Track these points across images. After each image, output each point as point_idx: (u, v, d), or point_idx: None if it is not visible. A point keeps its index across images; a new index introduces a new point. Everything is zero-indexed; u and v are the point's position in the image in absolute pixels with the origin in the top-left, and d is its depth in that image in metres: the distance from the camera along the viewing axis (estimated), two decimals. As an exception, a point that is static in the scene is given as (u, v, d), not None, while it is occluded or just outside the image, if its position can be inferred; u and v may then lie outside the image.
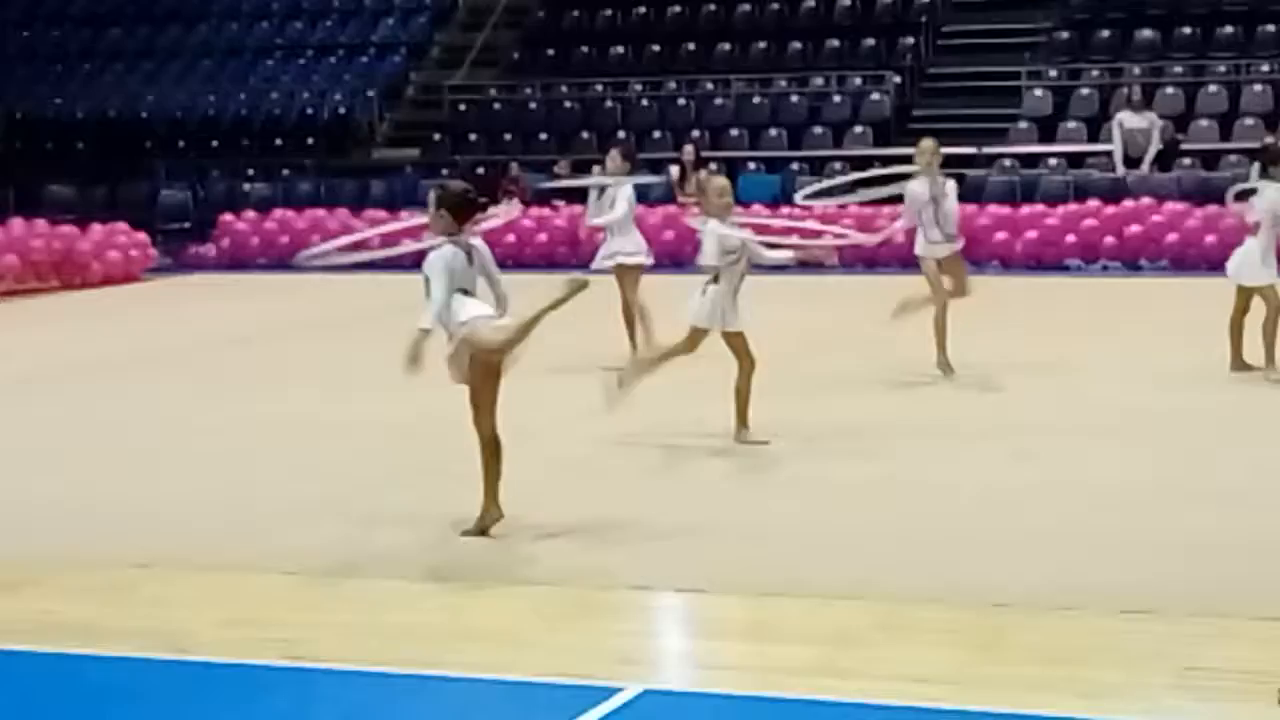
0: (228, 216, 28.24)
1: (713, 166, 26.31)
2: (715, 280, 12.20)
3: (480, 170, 29.74)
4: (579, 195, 27.60)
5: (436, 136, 31.38)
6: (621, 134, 29.98)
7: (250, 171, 30.92)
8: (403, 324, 9.89)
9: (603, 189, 16.44)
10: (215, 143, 31.81)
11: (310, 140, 31.80)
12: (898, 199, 15.50)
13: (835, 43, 30.91)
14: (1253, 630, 8.10)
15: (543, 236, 25.99)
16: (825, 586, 8.92)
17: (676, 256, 25.19)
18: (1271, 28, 28.52)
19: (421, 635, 8.39)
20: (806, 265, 14.84)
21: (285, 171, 30.86)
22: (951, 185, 15.20)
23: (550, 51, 32.41)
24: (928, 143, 15.19)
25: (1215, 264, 21.69)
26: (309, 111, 32.45)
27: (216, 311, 19.29)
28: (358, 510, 10.89)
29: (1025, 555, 9.45)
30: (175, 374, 16.44)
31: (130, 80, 34.09)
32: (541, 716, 7.20)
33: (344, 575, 9.42)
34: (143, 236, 26.38)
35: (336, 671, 7.89)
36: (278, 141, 31.90)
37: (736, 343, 12.32)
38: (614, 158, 16.78)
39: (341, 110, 32.32)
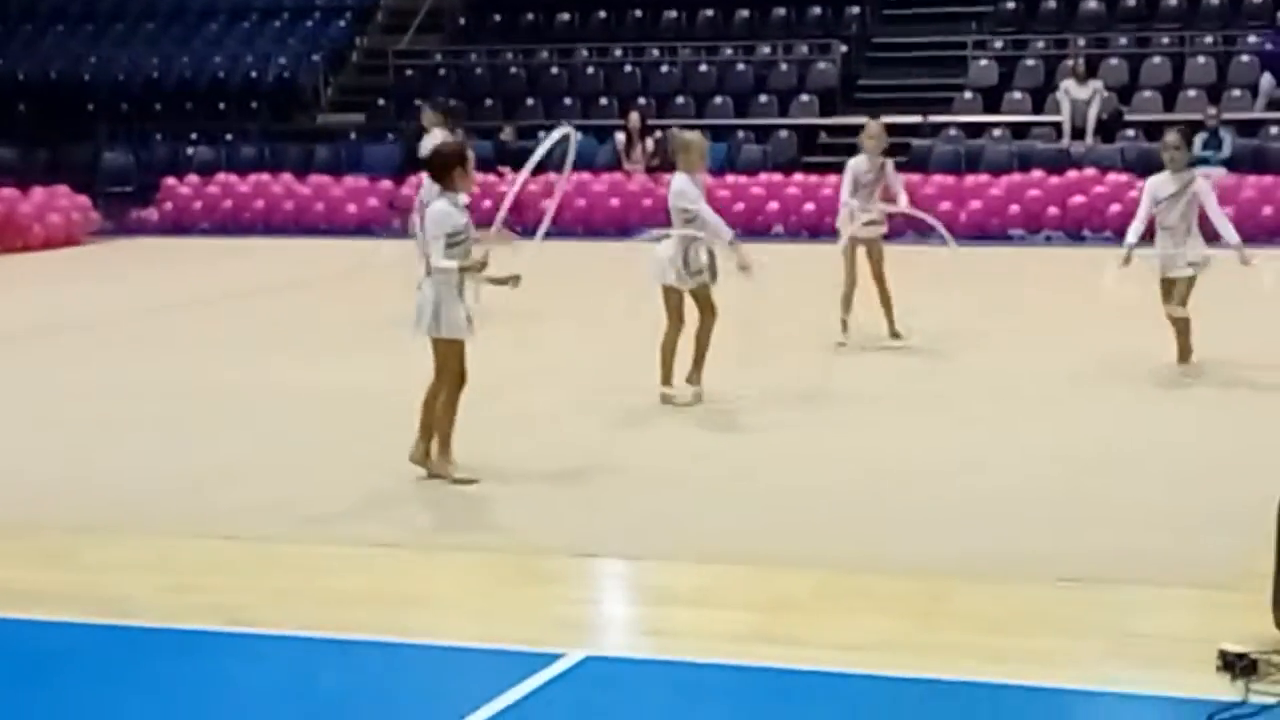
0: (170, 180, 28.08)
1: (658, 134, 26.29)
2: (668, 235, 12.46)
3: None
4: (521, 161, 27.65)
5: (381, 102, 31.23)
6: (568, 100, 29.94)
7: (193, 135, 30.71)
8: (341, 289, 9.87)
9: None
10: (158, 106, 31.56)
11: (254, 104, 31.60)
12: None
13: (782, 11, 30.88)
14: (1188, 598, 8.17)
15: (488, 203, 25.88)
16: (767, 554, 8.95)
17: (621, 223, 25.23)
18: (1214, 0, 28.63)
19: (361, 600, 8.37)
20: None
21: (229, 136, 30.67)
22: (891, 167, 15.44)
23: (496, 17, 32.28)
24: (874, 125, 15.47)
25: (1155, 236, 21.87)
26: (253, 75, 32.23)
27: (157, 276, 19.18)
28: (297, 475, 10.88)
29: (963, 524, 9.49)
30: (114, 339, 16.35)
31: (72, 42, 33.80)
32: (482, 682, 7.18)
33: (283, 540, 9.40)
34: (84, 200, 26.20)
35: (275, 636, 7.89)
36: (221, 105, 31.69)
37: (698, 296, 12.60)
38: (427, 114, 17.09)
39: (286, 74, 32.12)
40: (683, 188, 12.53)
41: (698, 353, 12.75)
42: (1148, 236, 13.24)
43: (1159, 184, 13.24)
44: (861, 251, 15.15)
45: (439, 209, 10.43)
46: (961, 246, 22.79)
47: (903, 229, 15.17)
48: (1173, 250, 13.10)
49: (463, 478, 10.48)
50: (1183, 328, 13.34)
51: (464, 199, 10.59)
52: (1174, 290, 13.20)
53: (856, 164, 15.21)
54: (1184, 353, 13.43)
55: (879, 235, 15.27)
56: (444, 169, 10.58)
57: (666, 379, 12.69)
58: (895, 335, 15.16)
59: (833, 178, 25.51)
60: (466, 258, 10.38)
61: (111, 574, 8.90)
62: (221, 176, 27.96)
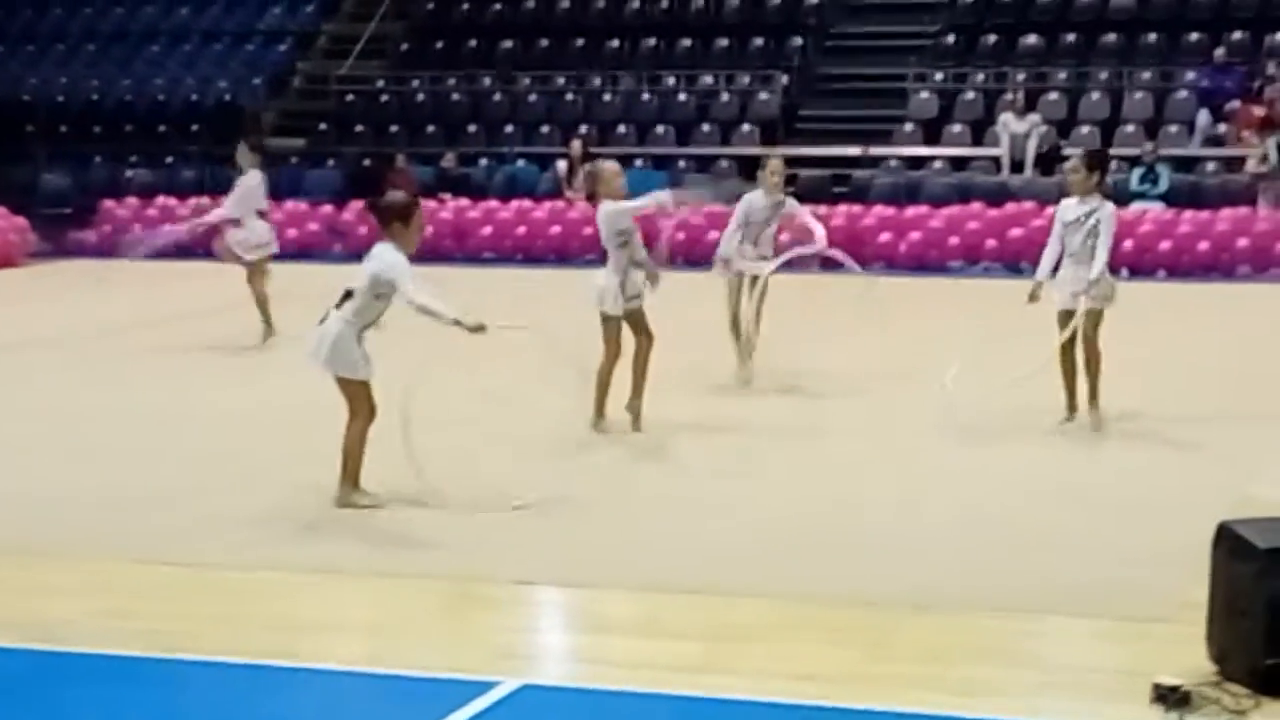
0: (109, 203, 27.92)
1: (599, 162, 26.27)
2: (604, 262, 12.54)
3: (366, 162, 29.58)
4: (463, 188, 27.64)
5: (322, 127, 31.15)
6: (510, 128, 29.94)
7: (133, 158, 30.56)
8: (277, 312, 9.81)
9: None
10: (98, 128, 31.39)
11: (194, 127, 31.44)
12: None
13: (724, 42, 30.98)
14: (1124, 630, 8.20)
15: (428, 229, 25.81)
16: (710, 583, 8.93)
17: (562, 252, 25.24)
18: (1153, 37, 28.88)
19: (296, 627, 8.32)
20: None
21: (169, 159, 30.51)
22: (792, 206, 15.09)
23: (439, 44, 32.25)
24: (775, 161, 15.14)
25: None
26: (194, 98, 32.10)
27: (94, 299, 19.03)
28: (234, 499, 10.79)
29: (908, 556, 9.49)
30: (49, 362, 16.19)
31: (12, 63, 33.57)
32: (418, 710, 7.15)
33: (220, 565, 9.32)
34: (22, 221, 26.01)
35: (209, 663, 7.80)
36: (161, 128, 31.53)
37: (634, 321, 12.64)
38: (242, 150, 17.49)
39: (227, 98, 32.00)
40: (615, 207, 12.56)
41: (636, 379, 12.74)
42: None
43: (1064, 208, 12.89)
44: (747, 285, 14.74)
45: (397, 257, 10.24)
46: (900, 278, 23.05)
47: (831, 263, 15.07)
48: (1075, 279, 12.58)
49: (368, 504, 10.46)
50: (1090, 365, 12.72)
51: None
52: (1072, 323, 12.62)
53: (753, 199, 14.81)
54: (1092, 393, 12.76)
55: (766, 272, 14.71)
56: (385, 220, 10.44)
57: (600, 410, 12.67)
58: (749, 359, 14.71)
59: (797, 204, 25.62)
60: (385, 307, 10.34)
61: (44, 598, 8.81)
62: (161, 199, 27.81)
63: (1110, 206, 12.72)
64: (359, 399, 10.41)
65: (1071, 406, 12.83)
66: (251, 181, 17.27)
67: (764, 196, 14.79)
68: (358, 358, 10.35)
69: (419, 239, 10.57)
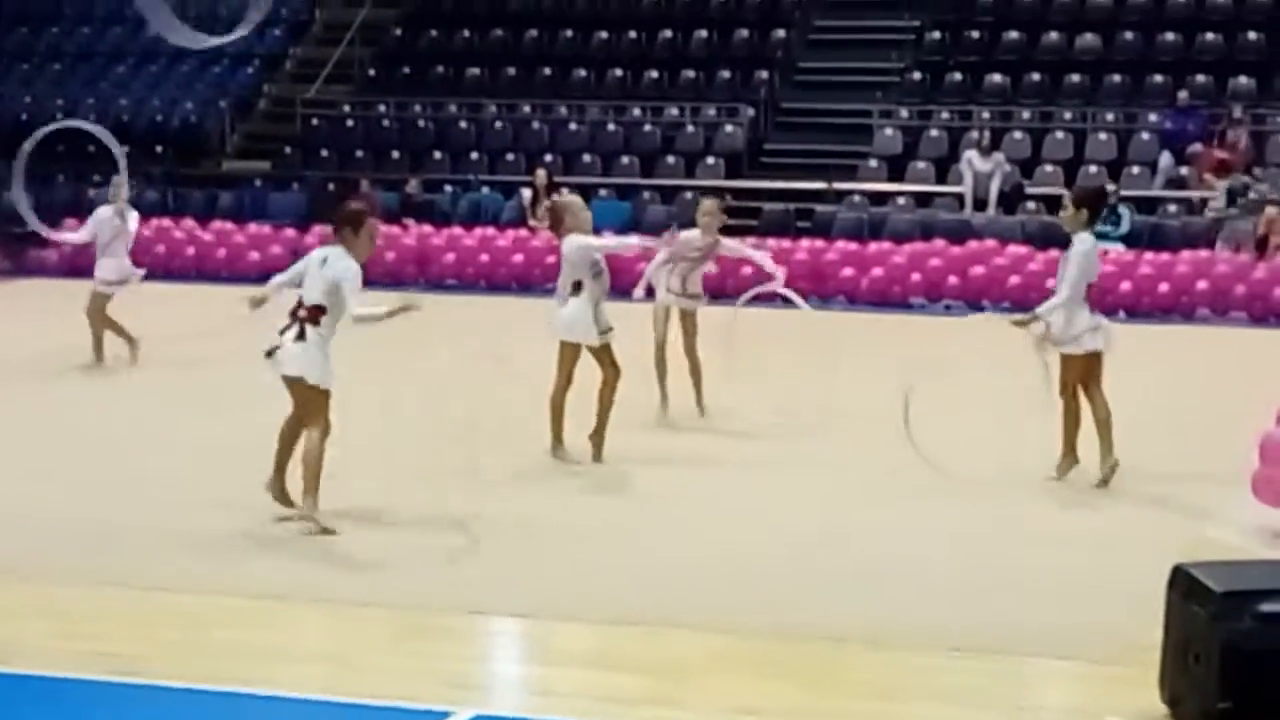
0: (72, 222, 27.73)
1: (564, 191, 26.31)
2: (576, 292, 12.43)
3: (330, 186, 29.54)
4: (427, 214, 27.63)
5: (288, 150, 31.12)
6: (475, 155, 29.96)
7: (96, 178, 30.42)
8: (234, 343, 9.84)
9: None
10: (61, 147, 31.21)
11: (159, 149, 31.39)
12: None
13: (691, 74, 31.07)
14: (1078, 671, 8.23)
15: (391, 255, 25.80)
16: (661, 616, 8.92)
17: (524, 280, 25.23)
18: (1118, 78, 29.07)
19: (250, 653, 8.29)
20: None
21: (132, 180, 30.36)
22: (726, 246, 15.05)
23: (406, 70, 32.27)
24: (709, 203, 14.98)
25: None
26: (159, 119, 32.05)
27: (51, 320, 18.90)
28: (188, 525, 10.73)
29: (860, 592, 9.50)
30: (6, 383, 16.09)
31: (-24, 81, 33.52)
32: (370, 739, 7.14)
33: (173, 590, 9.28)
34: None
35: (161, 688, 7.77)
36: (126, 149, 31.37)
37: (601, 354, 12.66)
38: (115, 184, 17.92)
39: (192, 119, 31.96)
40: (585, 242, 12.59)
41: (601, 411, 12.74)
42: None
43: None
44: (676, 320, 14.65)
45: (353, 264, 10.53)
46: (862, 313, 23.11)
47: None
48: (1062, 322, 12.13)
49: (327, 527, 10.49)
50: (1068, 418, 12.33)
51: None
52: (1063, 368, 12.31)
53: (689, 238, 14.60)
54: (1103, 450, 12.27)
55: (695, 308, 14.73)
56: (336, 226, 10.83)
57: (558, 436, 12.69)
58: (701, 410, 14.59)
59: (733, 241, 25.68)
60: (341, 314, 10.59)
61: None
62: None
63: (1082, 240, 12.13)
64: (321, 410, 10.53)
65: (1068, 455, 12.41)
66: (103, 214, 17.41)
67: (700, 237, 14.66)
68: (330, 368, 10.56)
69: (370, 250, 10.80)
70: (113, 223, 17.56)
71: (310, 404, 10.55)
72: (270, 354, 10.58)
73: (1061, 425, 12.37)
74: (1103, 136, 28.07)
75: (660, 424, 14.26)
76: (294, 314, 10.60)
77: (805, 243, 25.51)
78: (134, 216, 17.89)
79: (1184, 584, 7.39)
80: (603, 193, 27.89)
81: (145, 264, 20.31)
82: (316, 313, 10.51)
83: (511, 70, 31.67)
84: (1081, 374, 12.22)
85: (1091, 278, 12.18)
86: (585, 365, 12.68)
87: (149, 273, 18.88)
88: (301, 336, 10.51)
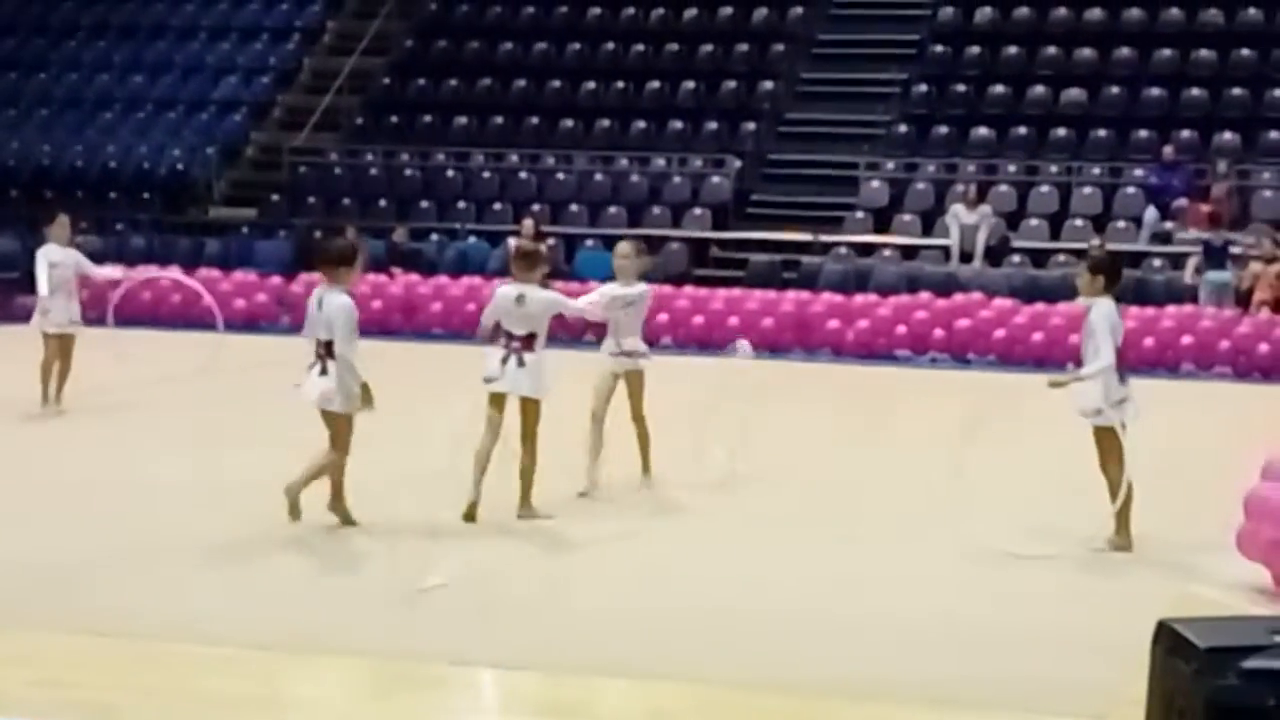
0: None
1: (550, 241, 26.36)
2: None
3: (317, 234, 29.57)
4: (414, 263, 27.66)
5: (275, 197, 31.19)
6: (462, 204, 30.03)
7: (83, 224, 30.42)
8: (218, 384, 9.81)
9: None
10: (48, 193, 31.30)
11: (146, 195, 31.45)
12: None
13: (678, 124, 31.20)
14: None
15: (377, 304, 25.82)
16: (643, 667, 8.90)
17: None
18: (1103, 132, 29.23)
19: (232, 702, 8.25)
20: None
21: (119, 226, 30.45)
22: (640, 293, 13.59)
23: (394, 118, 32.39)
24: (624, 245, 13.89)
25: (1041, 361, 22.17)
26: (146, 166, 32.12)
27: (34, 366, 18.88)
28: (172, 573, 10.71)
29: (844, 644, 9.49)
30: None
31: (-38, 127, 33.55)
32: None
33: (155, 638, 9.25)
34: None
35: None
36: (112, 195, 31.50)
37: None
38: (60, 223, 17.66)
39: (179, 166, 32.03)
40: (556, 300, 12.63)
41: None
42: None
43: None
44: (621, 385, 13.55)
45: (345, 304, 11.57)
46: (847, 365, 23.15)
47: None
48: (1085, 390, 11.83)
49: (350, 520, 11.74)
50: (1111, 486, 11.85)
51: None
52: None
53: (608, 290, 13.58)
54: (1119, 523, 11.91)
55: (639, 368, 13.56)
56: (333, 264, 11.82)
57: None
58: (647, 474, 13.69)
59: (722, 291, 25.81)
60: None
61: None
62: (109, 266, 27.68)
63: (1101, 304, 11.89)
64: (345, 433, 11.64)
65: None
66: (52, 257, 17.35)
67: (619, 286, 13.51)
68: (355, 394, 11.57)
69: (359, 279, 12.13)
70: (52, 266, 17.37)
71: (336, 429, 11.63)
72: (298, 387, 11.77)
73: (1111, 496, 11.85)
74: (1087, 190, 28.21)
75: (684, 473, 13.90)
76: (317, 352, 11.70)
77: (791, 294, 25.59)
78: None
79: (1168, 640, 7.35)
80: (589, 243, 27.97)
81: (131, 311, 20.39)
82: (330, 347, 11.57)
83: (499, 120, 31.79)
84: (1118, 445, 11.67)
85: (1119, 341, 11.91)
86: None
87: (134, 320, 18.91)
88: (325, 372, 11.60)
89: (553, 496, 12.67)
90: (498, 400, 12.26)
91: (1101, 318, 11.84)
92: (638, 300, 13.54)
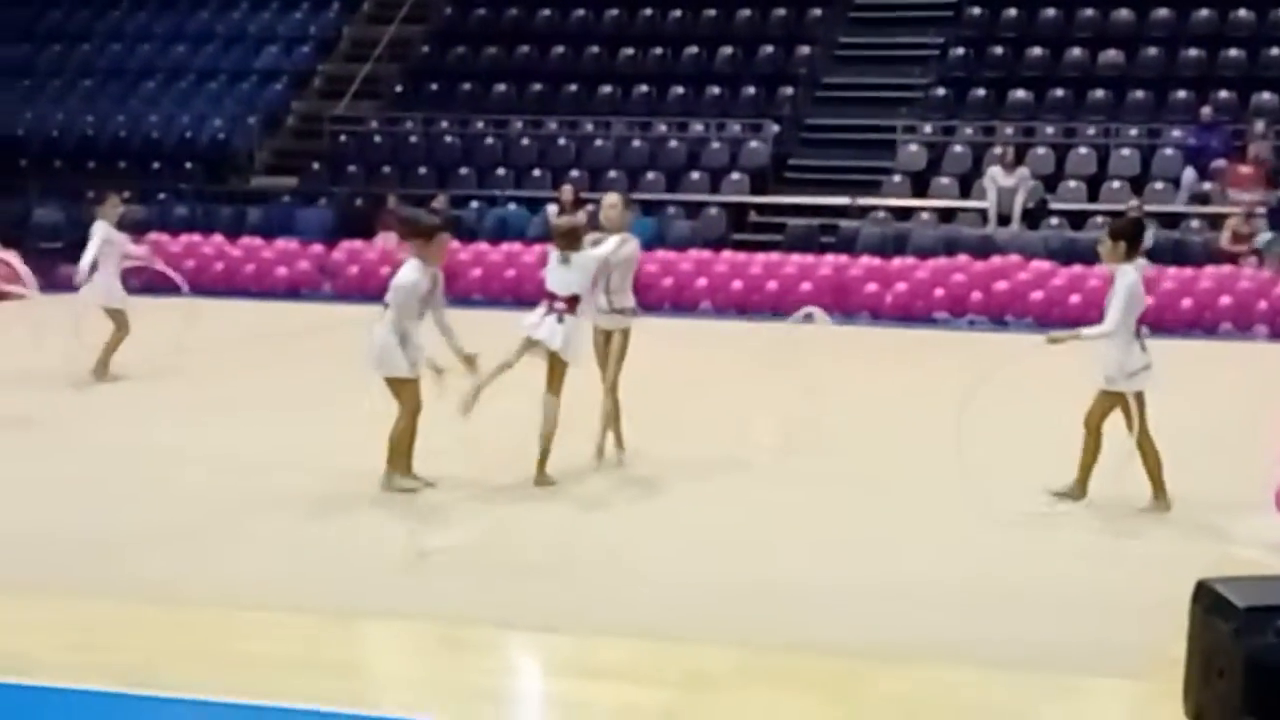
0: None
1: (590, 207, 26.42)
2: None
3: (358, 202, 29.71)
4: (454, 230, 27.71)
5: (315, 166, 31.28)
6: (501, 171, 30.09)
7: (126, 194, 30.59)
8: (267, 352, 9.92)
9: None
10: (92, 163, 31.50)
11: (188, 165, 31.58)
12: None
13: (716, 90, 31.17)
14: (1101, 687, 8.24)
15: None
16: (683, 629, 8.95)
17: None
18: (1140, 94, 29.10)
19: (273, 665, 8.28)
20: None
21: (161, 195, 30.61)
22: (629, 249, 13.15)
23: (433, 86, 32.41)
24: (611, 196, 13.69)
25: (1078, 323, 22.06)
26: (188, 136, 32.23)
27: (81, 335, 18.98)
28: (210, 538, 10.82)
29: (884, 606, 9.51)
30: (30, 397, 16.17)
31: (7, 97, 33.66)
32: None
33: (196, 602, 9.31)
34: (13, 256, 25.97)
35: (180, 700, 7.76)
36: (155, 165, 31.65)
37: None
38: (112, 203, 17.87)
39: (221, 136, 32.13)
40: (594, 255, 12.72)
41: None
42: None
43: None
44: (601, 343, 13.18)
45: (409, 277, 11.91)
46: (885, 329, 23.11)
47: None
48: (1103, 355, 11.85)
49: (411, 487, 11.93)
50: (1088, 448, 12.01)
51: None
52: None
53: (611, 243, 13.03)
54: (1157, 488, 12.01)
55: (624, 327, 13.16)
56: (404, 236, 12.52)
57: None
58: (601, 453, 13.18)
59: (760, 256, 25.82)
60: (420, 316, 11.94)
61: (15, 633, 8.77)
62: (152, 236, 27.83)
63: (1125, 273, 11.89)
64: (406, 395, 11.86)
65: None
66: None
67: (614, 240, 13.04)
68: (400, 359, 11.79)
69: (442, 256, 12.23)
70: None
71: (398, 393, 11.84)
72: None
73: (1082, 456, 12.09)
74: (1126, 152, 28.11)
75: (713, 429, 14.12)
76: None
77: (829, 258, 25.60)
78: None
79: (1208, 599, 7.35)
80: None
81: (174, 280, 20.53)
82: (387, 309, 11.89)
83: (538, 86, 31.80)
84: (1110, 410, 11.94)
85: (1139, 310, 11.93)
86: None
87: (177, 288, 19.09)
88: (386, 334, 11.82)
89: (576, 462, 12.78)
90: (527, 344, 12.28)
91: (1124, 286, 11.84)
92: (631, 254, 13.18)
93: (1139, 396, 11.85)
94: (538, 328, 12.27)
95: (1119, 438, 11.87)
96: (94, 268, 17.39)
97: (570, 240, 12.53)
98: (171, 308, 18.48)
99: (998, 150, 27.59)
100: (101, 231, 17.53)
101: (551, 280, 12.46)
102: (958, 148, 28.90)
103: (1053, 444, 13.06)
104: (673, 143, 30.23)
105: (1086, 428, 12.07)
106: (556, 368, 12.27)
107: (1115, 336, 11.79)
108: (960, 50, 30.58)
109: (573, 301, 12.34)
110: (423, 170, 30.49)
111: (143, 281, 19.07)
